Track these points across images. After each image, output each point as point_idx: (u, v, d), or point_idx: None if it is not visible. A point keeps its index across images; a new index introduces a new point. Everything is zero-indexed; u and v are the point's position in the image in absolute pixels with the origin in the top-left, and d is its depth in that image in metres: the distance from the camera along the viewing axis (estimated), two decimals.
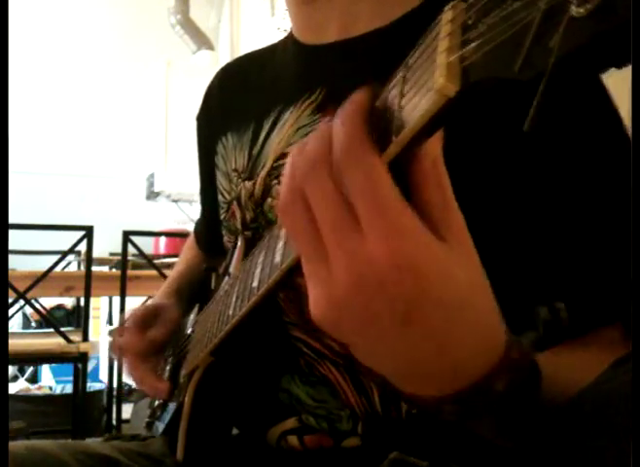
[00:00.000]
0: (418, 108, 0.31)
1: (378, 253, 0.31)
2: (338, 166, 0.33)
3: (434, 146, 0.34)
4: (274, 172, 0.70)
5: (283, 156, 0.70)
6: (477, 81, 0.29)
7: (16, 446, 0.66)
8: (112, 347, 0.79)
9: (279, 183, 0.69)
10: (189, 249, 1.01)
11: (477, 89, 0.29)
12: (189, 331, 0.80)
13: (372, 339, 0.35)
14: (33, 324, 4.20)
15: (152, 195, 4.60)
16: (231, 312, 0.58)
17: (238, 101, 0.82)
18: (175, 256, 1.11)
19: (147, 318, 0.80)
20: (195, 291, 0.89)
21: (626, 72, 0.26)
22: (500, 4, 0.27)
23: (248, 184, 0.73)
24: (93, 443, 0.74)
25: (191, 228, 1.05)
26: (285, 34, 0.81)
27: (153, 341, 0.77)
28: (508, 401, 0.38)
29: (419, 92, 0.32)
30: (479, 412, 0.38)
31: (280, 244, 0.48)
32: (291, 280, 0.47)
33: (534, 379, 0.39)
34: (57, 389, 3.43)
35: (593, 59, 0.25)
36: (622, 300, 0.50)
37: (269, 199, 0.70)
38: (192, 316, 0.84)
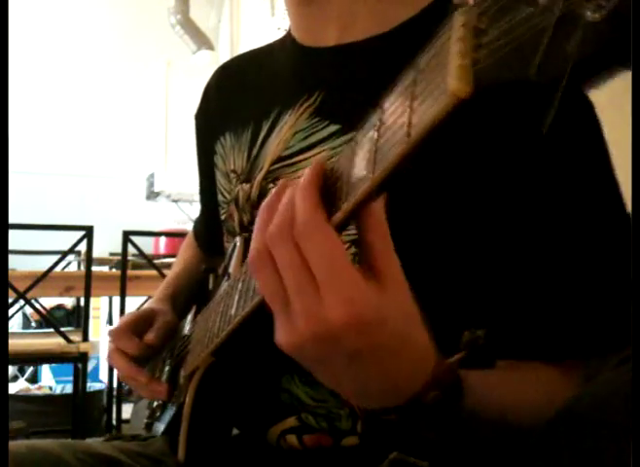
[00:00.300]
0: (431, 109, 0.32)
1: (332, 315, 0.38)
2: (298, 237, 0.39)
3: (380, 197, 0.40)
4: (270, 176, 0.70)
5: (280, 159, 0.70)
6: (489, 84, 0.29)
7: (16, 445, 0.66)
8: (108, 355, 0.78)
9: (275, 186, 0.69)
10: (187, 249, 1.01)
11: (486, 93, 0.30)
12: (187, 331, 0.80)
13: (325, 371, 0.44)
14: (33, 324, 4.20)
15: (152, 195, 4.60)
16: (233, 312, 0.58)
17: (236, 101, 0.82)
18: (175, 256, 1.11)
19: (140, 323, 0.78)
20: (194, 292, 0.89)
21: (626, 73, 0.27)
22: (512, 9, 0.27)
23: (245, 186, 0.73)
24: (94, 442, 0.74)
25: (191, 228, 1.04)
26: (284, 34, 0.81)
27: (148, 345, 0.75)
28: (436, 410, 0.45)
29: (432, 94, 0.32)
30: (414, 420, 0.46)
31: None
32: None
33: (458, 392, 0.46)
34: (57, 389, 3.42)
35: (608, 63, 0.26)
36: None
37: None
38: (189, 317, 0.84)
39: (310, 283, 0.39)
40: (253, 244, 0.43)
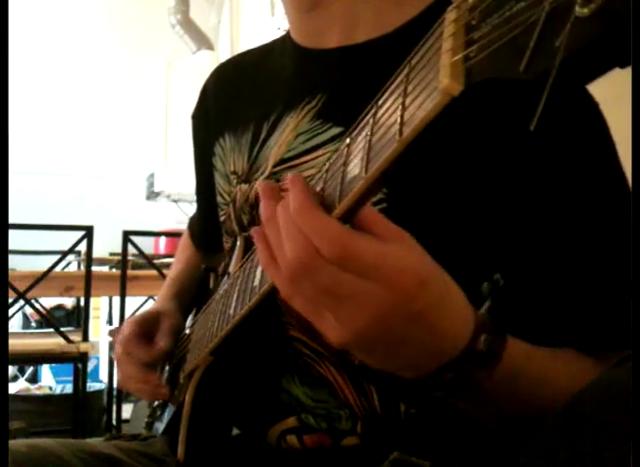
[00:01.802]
0: (423, 107, 0.31)
1: (397, 288, 0.40)
2: (333, 262, 0.40)
3: None
4: (272, 178, 0.70)
5: (282, 161, 0.70)
6: (481, 80, 0.29)
7: (17, 444, 0.66)
8: (117, 360, 0.77)
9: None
10: (185, 248, 1.00)
11: (478, 89, 0.29)
12: (187, 330, 0.80)
13: (383, 348, 0.44)
14: (33, 324, 4.20)
15: (152, 195, 4.60)
16: (231, 312, 0.58)
17: (235, 101, 0.81)
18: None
19: (146, 327, 0.78)
20: (195, 292, 0.89)
21: (627, 72, 0.27)
22: (503, 5, 0.27)
23: (244, 187, 0.73)
24: (95, 442, 0.74)
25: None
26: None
27: (162, 352, 0.75)
28: (489, 356, 0.46)
29: (424, 92, 0.32)
30: (464, 384, 0.46)
31: None
32: None
33: (503, 335, 0.48)
34: (57, 389, 3.42)
35: (598, 59, 0.26)
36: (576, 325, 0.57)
37: None
38: (190, 316, 0.84)
39: (364, 282, 0.40)
40: (279, 284, 0.44)
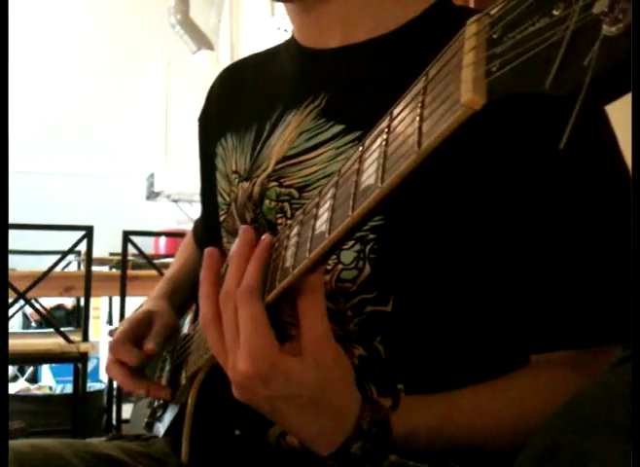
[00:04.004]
0: (443, 119, 0.31)
1: (240, 368, 0.49)
2: (236, 302, 0.50)
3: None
4: (274, 175, 0.70)
5: (285, 159, 0.70)
6: (502, 95, 0.29)
7: (19, 443, 0.66)
8: (106, 367, 0.77)
9: (278, 185, 0.70)
10: (184, 249, 1.00)
11: (499, 105, 0.29)
12: (188, 331, 0.80)
13: (262, 411, 0.53)
14: (33, 324, 4.19)
15: (152, 195, 4.59)
16: None
17: (238, 103, 0.82)
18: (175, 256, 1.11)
19: (138, 329, 0.78)
20: (191, 290, 0.89)
21: None
22: (526, 20, 0.27)
23: (246, 184, 0.73)
24: (96, 442, 0.74)
25: (190, 228, 1.04)
26: (286, 34, 0.81)
27: (149, 354, 0.75)
28: (365, 458, 0.51)
29: (443, 105, 0.32)
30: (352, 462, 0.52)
31: (291, 251, 0.48)
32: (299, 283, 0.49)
33: (385, 442, 0.52)
34: (57, 389, 3.42)
35: (626, 77, 0.25)
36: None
37: (267, 201, 0.70)
38: (189, 316, 0.84)
39: (237, 340, 0.50)
40: (205, 302, 0.53)
